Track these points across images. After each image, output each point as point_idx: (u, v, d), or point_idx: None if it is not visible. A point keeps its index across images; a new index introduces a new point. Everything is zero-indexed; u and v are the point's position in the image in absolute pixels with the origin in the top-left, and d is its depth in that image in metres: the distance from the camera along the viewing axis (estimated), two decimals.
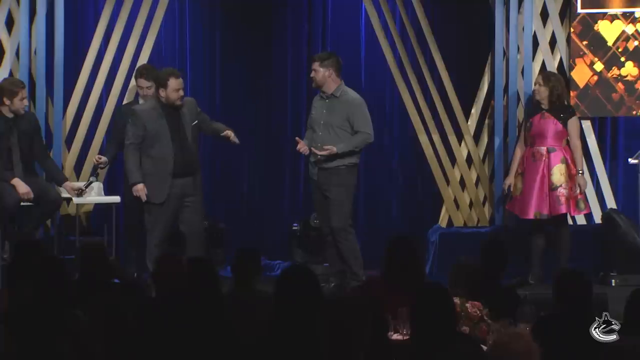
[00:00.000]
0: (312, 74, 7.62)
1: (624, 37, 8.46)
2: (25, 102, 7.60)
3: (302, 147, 7.59)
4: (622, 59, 8.48)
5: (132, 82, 8.28)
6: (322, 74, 7.56)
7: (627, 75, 8.50)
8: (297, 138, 7.72)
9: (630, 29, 8.43)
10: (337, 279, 7.63)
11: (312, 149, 7.55)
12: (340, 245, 7.58)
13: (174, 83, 7.24)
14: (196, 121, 7.43)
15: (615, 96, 8.50)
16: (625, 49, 8.47)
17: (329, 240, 7.69)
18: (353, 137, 7.54)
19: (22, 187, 7.46)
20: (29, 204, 7.53)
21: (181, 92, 7.30)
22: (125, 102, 8.29)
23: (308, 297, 4.07)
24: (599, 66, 8.48)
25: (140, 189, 7.27)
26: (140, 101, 7.88)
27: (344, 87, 7.65)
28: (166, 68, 7.65)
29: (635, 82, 8.48)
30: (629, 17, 8.45)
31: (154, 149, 7.28)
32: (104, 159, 7.81)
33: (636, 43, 8.44)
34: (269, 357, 3.97)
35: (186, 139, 7.34)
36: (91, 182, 7.90)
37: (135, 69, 8.10)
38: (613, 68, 8.48)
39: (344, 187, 7.55)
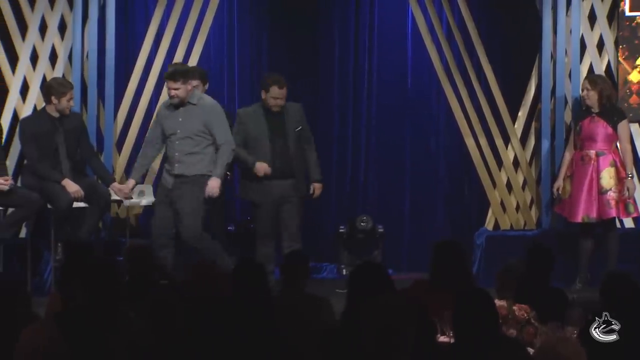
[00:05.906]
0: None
1: None
2: (72, 103, 7.67)
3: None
4: None
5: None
6: None
7: None
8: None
9: None
10: None
11: None
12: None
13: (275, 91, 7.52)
14: (300, 127, 7.60)
15: None
16: None
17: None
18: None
19: (71, 186, 7.52)
20: (82, 205, 7.59)
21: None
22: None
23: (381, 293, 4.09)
24: None
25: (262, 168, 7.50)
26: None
27: None
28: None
29: None
30: None
31: (254, 150, 7.50)
32: None
33: None
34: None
35: (286, 142, 7.51)
36: (140, 190, 7.97)
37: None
38: None
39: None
